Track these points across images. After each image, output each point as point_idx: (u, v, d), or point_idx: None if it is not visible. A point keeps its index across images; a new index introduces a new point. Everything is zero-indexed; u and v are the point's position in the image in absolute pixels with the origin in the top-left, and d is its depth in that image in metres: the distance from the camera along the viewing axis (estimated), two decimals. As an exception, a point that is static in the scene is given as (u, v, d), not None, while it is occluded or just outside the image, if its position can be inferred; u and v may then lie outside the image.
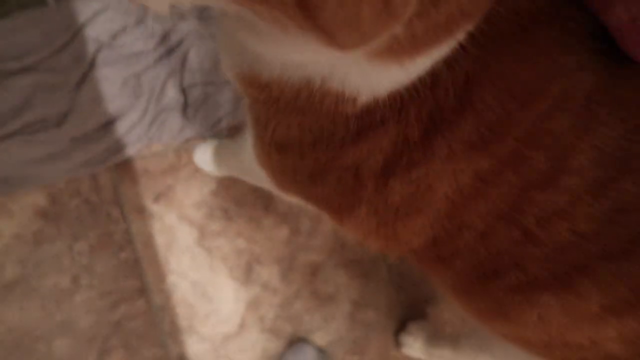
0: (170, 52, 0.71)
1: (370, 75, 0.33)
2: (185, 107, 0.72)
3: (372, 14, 0.25)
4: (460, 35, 0.31)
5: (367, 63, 0.31)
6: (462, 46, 0.32)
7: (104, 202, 0.69)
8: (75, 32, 0.67)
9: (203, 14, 0.73)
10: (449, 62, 0.33)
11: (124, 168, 0.70)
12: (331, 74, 0.34)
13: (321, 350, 0.75)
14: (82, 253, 0.68)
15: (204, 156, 0.70)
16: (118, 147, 0.69)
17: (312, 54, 0.29)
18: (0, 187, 0.64)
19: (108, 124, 0.68)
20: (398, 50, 0.30)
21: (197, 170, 0.73)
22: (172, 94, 0.70)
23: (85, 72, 0.67)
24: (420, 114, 0.35)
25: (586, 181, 0.34)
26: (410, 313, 0.81)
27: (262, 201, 0.75)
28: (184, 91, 0.72)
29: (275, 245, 0.75)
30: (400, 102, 0.34)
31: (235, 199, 0.74)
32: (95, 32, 0.67)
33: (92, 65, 0.67)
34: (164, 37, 0.70)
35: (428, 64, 0.32)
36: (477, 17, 0.31)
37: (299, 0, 0.24)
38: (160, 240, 0.71)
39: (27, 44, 0.65)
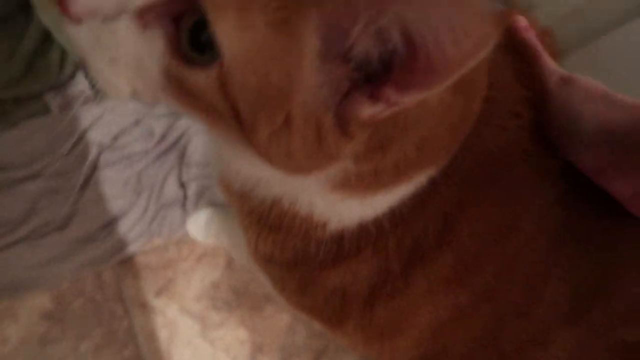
0: (169, 149, 0.73)
1: (335, 205, 0.34)
2: (184, 201, 0.74)
3: (305, 149, 0.26)
4: (422, 177, 0.33)
5: (328, 193, 0.32)
6: (436, 184, 0.33)
7: (108, 300, 0.70)
8: (78, 137, 0.70)
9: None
10: (425, 200, 0.34)
11: (127, 264, 0.72)
12: (297, 196, 0.35)
13: None
14: (87, 352, 0.69)
15: (197, 224, 0.71)
16: (121, 245, 0.70)
17: (272, 172, 0.30)
18: (7, 291, 0.66)
19: (110, 224, 0.70)
20: (355, 185, 0.31)
21: (198, 261, 0.74)
22: (171, 189, 0.73)
23: (88, 175, 0.70)
24: (400, 248, 0.36)
25: (558, 311, 0.35)
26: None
27: (263, 290, 0.76)
28: (183, 185, 0.74)
29: (277, 333, 0.76)
30: (375, 233, 0.35)
31: (236, 289, 0.75)
32: (97, 135, 0.70)
33: (94, 167, 0.70)
34: (163, 136, 0.73)
35: (393, 200, 0.33)
36: (438, 163, 0.32)
37: (236, 116, 0.25)
38: (162, 334, 0.72)
39: (34, 151, 0.68)
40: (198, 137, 0.75)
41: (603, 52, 0.65)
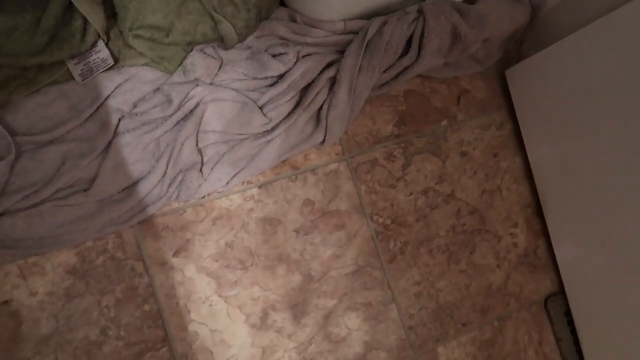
0: (186, 116, 0.76)
1: None
2: (201, 167, 0.77)
3: None
4: None
5: None
6: None
7: (128, 258, 0.74)
8: (99, 104, 0.73)
9: (215, 80, 0.78)
10: None
11: (146, 225, 0.76)
12: None
13: (335, 392, 0.79)
14: (109, 306, 0.73)
15: None
16: (141, 207, 0.74)
17: None
18: (35, 248, 0.70)
19: (131, 186, 0.74)
20: None
21: (214, 223, 0.78)
22: (188, 154, 0.76)
23: (109, 140, 0.73)
24: None
25: None
26: (421, 353, 0.84)
27: (275, 251, 0.80)
28: (199, 151, 0.78)
29: (289, 292, 0.80)
30: None
31: (250, 250, 0.79)
32: (118, 102, 0.74)
33: (115, 133, 0.74)
34: (180, 103, 0.76)
35: None
36: None
37: None
38: (180, 291, 0.76)
39: (57, 116, 0.72)
40: (214, 104, 0.78)
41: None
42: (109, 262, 0.74)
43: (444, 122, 0.92)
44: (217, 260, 0.78)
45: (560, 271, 0.90)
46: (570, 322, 0.91)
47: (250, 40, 0.82)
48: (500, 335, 0.89)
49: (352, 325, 0.82)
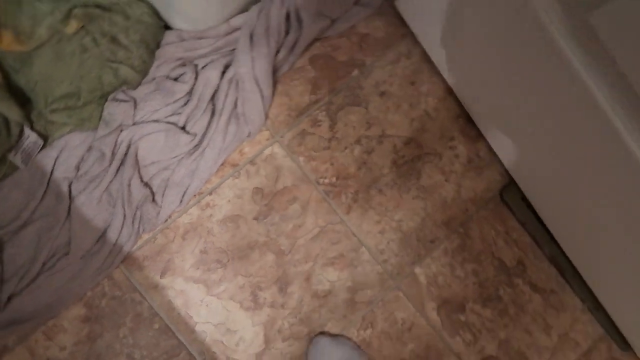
0: (122, 160, 0.86)
1: None
2: (153, 197, 0.87)
3: None
4: None
5: None
6: None
7: (126, 293, 0.87)
8: (48, 180, 0.83)
9: (135, 119, 0.87)
10: None
11: (129, 262, 0.87)
12: None
13: (335, 336, 0.90)
14: (126, 336, 0.86)
15: None
16: (117, 249, 0.86)
17: None
18: (48, 313, 0.84)
19: (102, 236, 0.85)
20: None
21: (184, 239, 0.89)
22: (138, 192, 0.86)
23: (68, 206, 0.84)
24: None
25: None
26: (401, 279, 0.94)
27: (244, 241, 0.90)
28: (147, 185, 0.88)
29: (268, 270, 0.91)
30: None
31: (221, 249, 0.89)
32: (62, 172, 0.84)
33: (71, 198, 0.84)
34: (113, 152, 0.85)
35: None
36: None
37: None
38: (177, 303, 0.88)
39: (18, 203, 0.83)
40: (143, 140, 0.87)
41: None
42: (112, 302, 0.87)
43: (355, 72, 0.98)
44: (198, 268, 0.89)
45: (504, 164, 0.97)
46: (530, 205, 0.98)
47: (152, 71, 0.90)
48: (467, 238, 0.98)
49: (333, 278, 0.93)
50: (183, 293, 0.88)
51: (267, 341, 0.89)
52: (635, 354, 0.98)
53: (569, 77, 0.66)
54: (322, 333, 0.91)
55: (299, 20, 0.88)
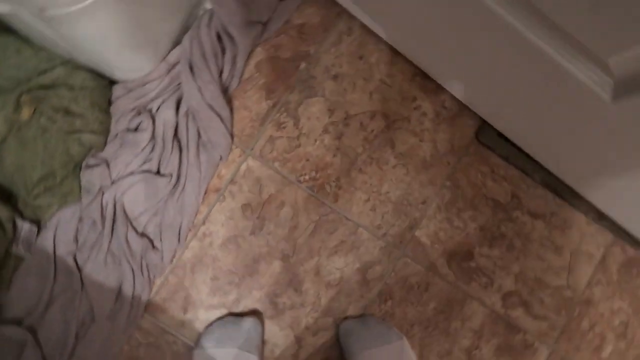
0: (113, 220, 0.90)
1: None
2: (152, 244, 0.92)
3: None
4: None
5: None
6: None
7: (158, 336, 0.93)
8: (54, 260, 0.89)
9: (113, 178, 0.91)
10: None
11: (151, 308, 0.93)
12: None
13: (360, 316, 0.95)
14: (171, 373, 0.93)
15: None
16: (136, 301, 0.91)
17: None
18: (96, 374, 0.91)
19: (119, 294, 0.91)
20: None
21: (193, 272, 0.94)
22: (137, 244, 0.91)
23: (80, 278, 0.89)
24: None
25: None
26: (404, 246, 0.98)
27: (249, 257, 0.94)
28: (143, 235, 0.92)
29: (278, 276, 0.95)
30: None
31: (230, 270, 0.94)
32: (63, 248, 0.89)
33: (79, 269, 0.89)
34: (102, 217, 0.89)
35: None
36: None
37: None
38: (207, 331, 0.94)
39: (35, 289, 0.88)
40: (125, 195, 0.91)
41: None
42: (149, 348, 0.93)
43: (303, 65, 0.98)
44: (214, 295, 0.94)
45: (470, 106, 0.97)
46: (507, 138, 0.99)
47: (112, 128, 0.93)
48: (457, 189, 1.00)
49: (340, 265, 0.96)
50: (208, 320, 0.94)
51: (298, 340, 0.95)
52: (647, 248, 1.00)
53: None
54: (346, 318, 0.96)
55: (230, 37, 0.89)
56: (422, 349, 0.98)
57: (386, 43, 0.99)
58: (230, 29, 0.88)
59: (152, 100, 0.92)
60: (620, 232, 1.00)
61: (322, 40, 0.99)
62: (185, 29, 0.92)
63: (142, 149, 0.91)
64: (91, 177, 0.90)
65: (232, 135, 0.96)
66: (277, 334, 0.95)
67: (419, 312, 0.97)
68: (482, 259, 0.99)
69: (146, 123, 0.90)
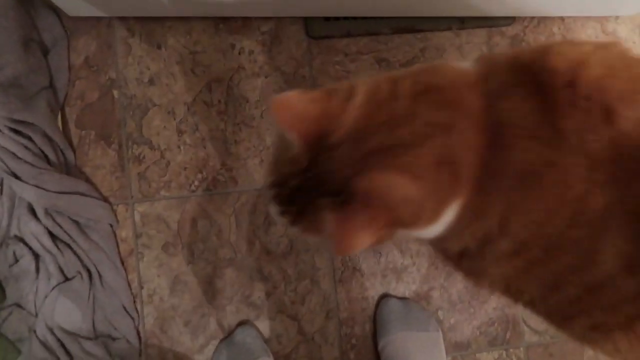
0: (63, 345, 0.87)
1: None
2: (111, 337, 0.89)
3: None
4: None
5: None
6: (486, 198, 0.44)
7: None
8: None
9: (36, 310, 0.87)
10: (483, 209, 0.45)
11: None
12: None
13: (402, 298, 0.93)
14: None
15: None
16: None
17: None
18: None
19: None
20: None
21: (165, 332, 0.92)
22: (98, 350, 0.88)
23: None
24: (474, 236, 0.47)
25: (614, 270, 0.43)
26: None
27: (202, 281, 0.92)
28: (97, 337, 0.89)
29: (237, 282, 0.93)
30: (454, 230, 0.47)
31: (194, 307, 0.92)
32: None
33: None
34: (48, 347, 0.86)
35: (452, 213, 0.45)
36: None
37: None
38: (215, 368, 0.92)
39: None
40: (55, 317, 0.88)
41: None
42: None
43: (116, 92, 0.92)
44: (196, 335, 0.92)
45: (286, 13, 0.92)
46: (335, 18, 0.94)
47: None
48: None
49: (281, 231, 0.94)
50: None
51: (294, 317, 0.93)
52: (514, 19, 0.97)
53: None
54: (388, 296, 0.94)
55: (23, 122, 0.83)
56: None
57: (172, 18, 0.92)
58: (16, 115, 0.81)
59: (9, 225, 0.87)
60: (488, 21, 0.97)
61: (114, 59, 0.92)
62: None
63: (37, 271, 0.87)
64: (13, 327, 0.86)
65: (105, 199, 0.91)
66: (274, 325, 0.93)
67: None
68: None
69: (19, 248, 0.86)
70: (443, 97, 0.44)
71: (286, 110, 0.44)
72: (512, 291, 0.53)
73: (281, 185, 0.47)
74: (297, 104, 0.44)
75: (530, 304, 0.53)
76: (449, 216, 0.45)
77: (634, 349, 0.47)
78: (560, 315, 0.52)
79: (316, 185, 0.44)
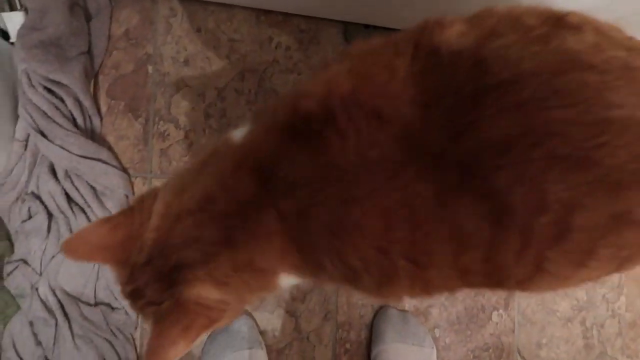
0: (62, 308, 0.88)
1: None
2: (111, 307, 0.90)
3: None
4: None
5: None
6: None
7: None
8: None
9: (42, 269, 0.88)
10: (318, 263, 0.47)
11: None
12: None
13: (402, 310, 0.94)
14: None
15: None
16: (127, 364, 0.90)
17: None
18: None
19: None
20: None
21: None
22: (97, 317, 0.88)
23: None
24: (338, 280, 0.49)
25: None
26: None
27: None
28: (97, 304, 0.90)
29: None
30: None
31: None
32: (30, 356, 0.87)
33: None
34: (48, 309, 0.87)
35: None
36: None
37: None
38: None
39: None
40: (59, 278, 0.88)
41: None
42: None
43: (150, 68, 0.94)
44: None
45: (329, 16, 0.93)
46: (375, 26, 0.95)
47: (9, 227, 0.89)
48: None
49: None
50: (203, 343, 0.93)
51: (292, 313, 0.94)
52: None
53: None
54: (388, 307, 0.94)
55: (58, 83, 0.84)
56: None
57: (215, 4, 0.94)
58: (53, 75, 0.83)
59: (27, 181, 0.88)
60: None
61: (154, 35, 0.94)
62: (17, 101, 0.87)
63: (48, 230, 0.88)
64: (17, 282, 0.87)
65: (124, 170, 0.92)
66: (271, 318, 0.94)
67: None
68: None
69: (35, 206, 0.87)
70: (218, 209, 0.46)
71: (83, 246, 0.50)
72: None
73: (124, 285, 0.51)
74: (93, 238, 0.50)
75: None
76: (288, 279, 0.50)
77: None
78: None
79: (139, 296, 0.49)
